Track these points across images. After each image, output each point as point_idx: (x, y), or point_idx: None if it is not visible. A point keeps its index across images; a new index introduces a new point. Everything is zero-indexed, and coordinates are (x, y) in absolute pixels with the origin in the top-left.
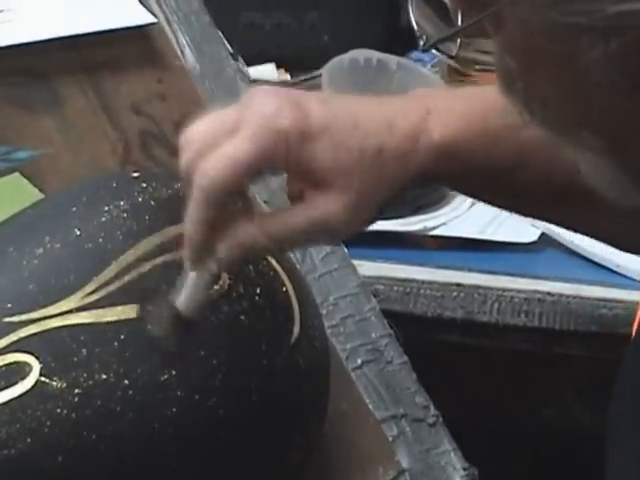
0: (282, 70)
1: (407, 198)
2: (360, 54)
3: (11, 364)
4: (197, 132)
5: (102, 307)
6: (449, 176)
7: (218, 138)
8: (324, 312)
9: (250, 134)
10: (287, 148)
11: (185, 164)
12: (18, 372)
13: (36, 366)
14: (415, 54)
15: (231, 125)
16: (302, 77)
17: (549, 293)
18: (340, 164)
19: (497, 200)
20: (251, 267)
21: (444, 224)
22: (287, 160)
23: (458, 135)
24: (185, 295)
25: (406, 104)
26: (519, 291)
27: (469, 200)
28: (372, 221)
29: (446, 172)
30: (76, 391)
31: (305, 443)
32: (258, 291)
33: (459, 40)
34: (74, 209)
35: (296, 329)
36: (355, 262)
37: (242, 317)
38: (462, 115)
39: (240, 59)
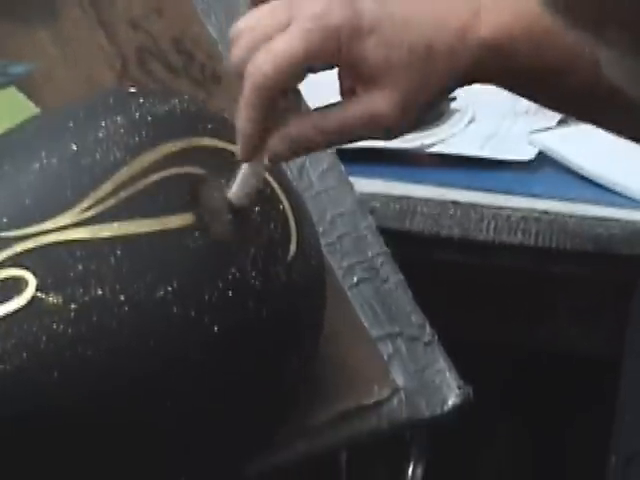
0: None
1: None
2: None
3: (7, 279)
4: (246, 27)
5: (99, 223)
6: (496, 75)
7: (268, 33)
8: (320, 230)
9: (301, 30)
10: (338, 45)
11: (236, 59)
12: (14, 287)
13: (32, 281)
14: None
15: (281, 20)
16: None
17: (546, 212)
18: (390, 62)
19: (546, 101)
20: None
21: (442, 141)
22: (338, 57)
23: (506, 33)
24: (237, 187)
25: (456, 1)
26: (516, 209)
27: (467, 118)
28: (419, 120)
29: (493, 71)
30: (72, 307)
31: (300, 361)
32: (255, 209)
33: None
34: (71, 124)
35: (292, 247)
36: (352, 179)
37: (238, 234)
38: (511, 14)
39: None
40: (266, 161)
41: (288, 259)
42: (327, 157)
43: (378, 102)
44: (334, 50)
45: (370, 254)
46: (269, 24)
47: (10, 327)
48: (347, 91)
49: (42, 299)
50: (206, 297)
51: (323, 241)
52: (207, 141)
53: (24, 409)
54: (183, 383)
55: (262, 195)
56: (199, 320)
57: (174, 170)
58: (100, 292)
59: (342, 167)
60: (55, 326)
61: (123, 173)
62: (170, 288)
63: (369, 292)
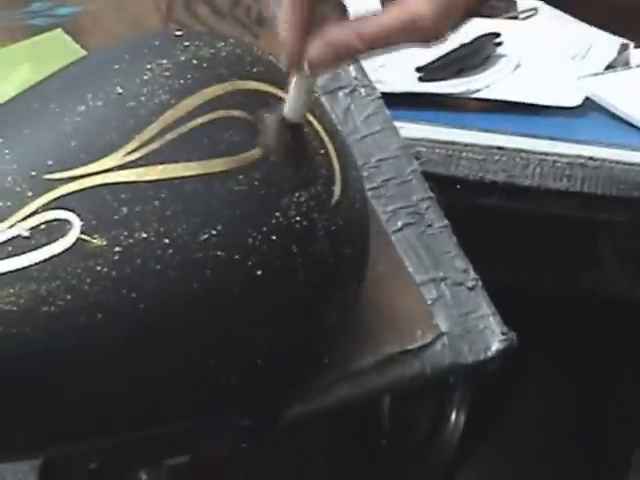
0: None
1: (451, 60)
2: None
3: (51, 221)
4: None
5: (143, 166)
6: None
7: None
8: (365, 174)
9: None
10: None
11: None
12: (59, 229)
13: (77, 224)
14: None
15: None
16: None
17: (592, 158)
18: None
19: (590, 18)
20: (292, 130)
21: (487, 87)
22: None
23: None
24: (289, 101)
25: None
26: (561, 155)
27: (513, 63)
28: (461, 23)
29: None
30: (116, 249)
31: (343, 305)
32: (299, 152)
33: None
34: (116, 67)
35: (337, 191)
36: (397, 124)
37: (283, 178)
38: None
39: None
40: (306, 67)
41: (332, 203)
42: (372, 101)
43: (418, 4)
44: None
45: (415, 199)
46: None
47: (54, 269)
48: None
49: (86, 241)
50: (250, 241)
51: (368, 185)
52: (252, 84)
53: (68, 350)
54: (225, 326)
55: (306, 138)
56: (243, 263)
57: (219, 113)
58: (144, 235)
59: (387, 111)
60: (99, 268)
61: (168, 116)
62: (214, 231)
63: (413, 237)
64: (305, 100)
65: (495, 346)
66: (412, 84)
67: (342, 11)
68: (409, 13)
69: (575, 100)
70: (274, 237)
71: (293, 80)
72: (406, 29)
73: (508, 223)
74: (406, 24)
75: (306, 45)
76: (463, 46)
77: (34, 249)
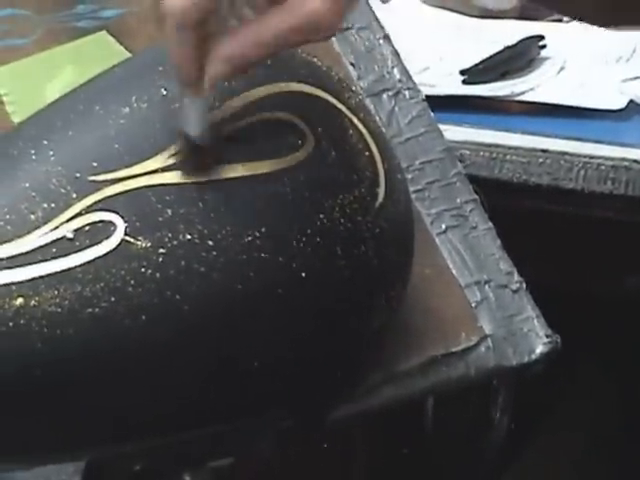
0: None
1: (495, 62)
2: None
3: (96, 223)
4: None
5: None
6: None
7: None
8: (409, 177)
9: None
10: None
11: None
12: (103, 231)
13: (121, 225)
14: None
15: None
16: None
17: (636, 161)
18: None
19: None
20: (337, 131)
21: (532, 89)
22: None
23: None
24: (191, 122)
25: None
26: (606, 158)
27: (557, 65)
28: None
29: None
30: (160, 251)
31: (387, 307)
32: (343, 155)
33: None
34: (160, 69)
35: (381, 193)
36: (441, 127)
37: (327, 180)
38: None
39: None
40: (207, 85)
41: (376, 205)
42: (417, 104)
43: (312, 3)
44: None
45: (459, 201)
46: None
47: (99, 271)
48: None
49: (130, 243)
50: (294, 243)
51: (412, 188)
52: (296, 86)
53: (111, 351)
54: (270, 327)
55: (350, 140)
56: (287, 266)
57: (263, 115)
58: (188, 237)
59: (431, 114)
60: (143, 270)
61: (212, 118)
62: (258, 233)
63: (457, 239)
64: (205, 117)
65: (539, 349)
66: (456, 87)
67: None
68: (304, 9)
69: (619, 103)
70: (318, 239)
71: (190, 100)
72: (304, 27)
73: (552, 226)
74: (303, 21)
75: (202, 63)
76: (507, 49)
77: (78, 251)
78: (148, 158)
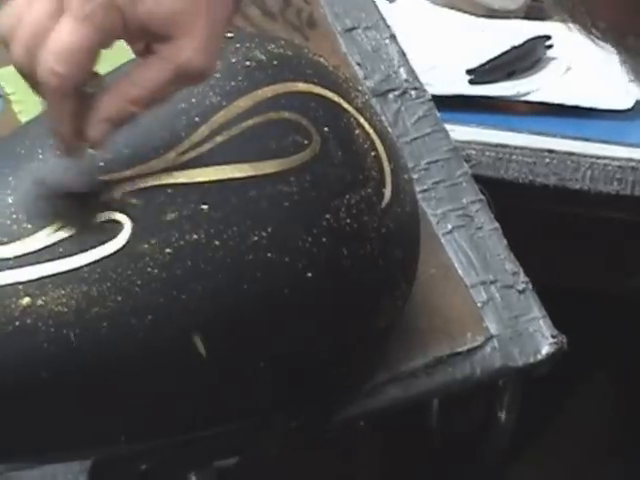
0: None
1: (501, 62)
2: None
3: (103, 222)
4: (10, 25)
5: (194, 167)
6: None
7: (44, 24)
8: (415, 176)
9: (81, 15)
10: (121, 14)
11: (21, 62)
12: (110, 231)
13: (128, 225)
14: None
15: (50, 8)
16: None
17: None
18: (178, 6)
19: None
20: (344, 131)
21: (538, 89)
22: (125, 27)
23: None
24: (75, 177)
25: None
26: (613, 159)
27: (564, 65)
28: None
29: None
30: (167, 251)
31: (393, 307)
32: (349, 154)
33: None
34: None
35: (387, 193)
36: (447, 126)
37: (333, 180)
38: None
39: None
40: (90, 148)
41: (383, 205)
42: (423, 104)
43: (182, 51)
44: (119, 21)
45: (465, 201)
46: (37, 16)
47: (105, 270)
48: (141, 52)
49: (137, 243)
50: (300, 243)
51: (418, 188)
52: (303, 86)
53: (118, 351)
54: (276, 328)
55: (357, 141)
56: (293, 266)
57: (270, 115)
58: (195, 237)
59: (438, 114)
60: (149, 270)
61: (219, 118)
62: (264, 233)
63: (463, 239)
64: (91, 169)
65: (545, 349)
66: (463, 87)
67: (103, 81)
68: (176, 60)
69: (626, 103)
70: (324, 239)
71: (74, 161)
72: (178, 77)
73: (558, 226)
74: (175, 72)
75: (81, 129)
76: (514, 49)
77: (85, 250)
78: (155, 158)
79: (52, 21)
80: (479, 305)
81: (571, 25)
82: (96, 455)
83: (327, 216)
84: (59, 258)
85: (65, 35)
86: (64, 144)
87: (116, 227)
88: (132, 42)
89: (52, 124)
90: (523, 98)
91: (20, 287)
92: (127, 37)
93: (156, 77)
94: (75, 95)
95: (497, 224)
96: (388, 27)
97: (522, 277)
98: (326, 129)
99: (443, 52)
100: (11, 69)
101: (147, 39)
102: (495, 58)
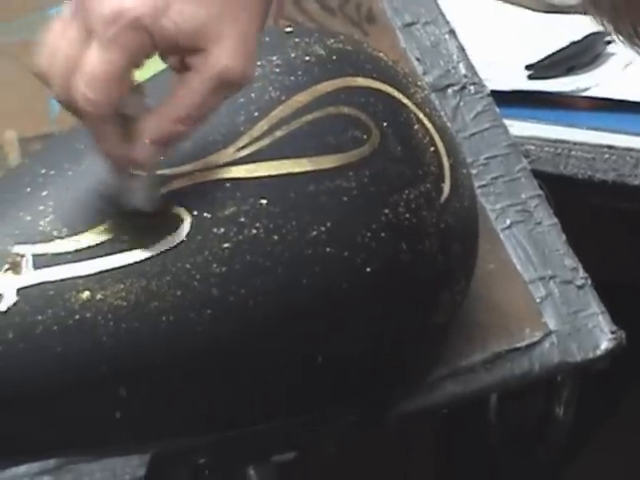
0: None
1: (560, 57)
2: None
3: (163, 217)
4: (47, 59)
5: (253, 162)
6: None
7: (75, 53)
8: (474, 172)
9: (106, 39)
10: (149, 33)
11: (59, 93)
12: (169, 225)
13: (187, 219)
14: None
15: (79, 36)
16: None
17: None
18: (203, 16)
19: None
20: (403, 126)
21: (597, 85)
22: (154, 44)
23: None
24: (138, 197)
25: None
26: None
27: (624, 61)
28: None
29: None
30: (226, 245)
31: (451, 303)
32: (408, 149)
33: None
34: None
35: (446, 188)
36: (506, 122)
37: (392, 175)
38: None
39: None
40: (141, 172)
41: (441, 201)
42: (482, 99)
43: (217, 61)
44: (147, 41)
45: (524, 197)
46: (68, 45)
47: (165, 264)
48: (179, 67)
49: (196, 237)
50: (359, 238)
51: (477, 183)
52: (362, 81)
53: (177, 345)
54: (334, 322)
55: (416, 136)
56: (351, 261)
57: (329, 110)
58: (254, 231)
59: (497, 109)
60: (209, 264)
61: (278, 112)
62: (323, 228)
63: (522, 235)
64: (153, 189)
65: (604, 345)
66: (522, 82)
67: (143, 98)
68: (213, 71)
69: None
70: (383, 234)
71: (132, 183)
72: (219, 87)
73: (617, 222)
74: (217, 82)
75: (129, 151)
76: (573, 44)
77: (145, 244)
78: (214, 152)
79: (83, 49)
80: (538, 300)
81: (615, 37)
82: (155, 449)
83: (386, 211)
84: (119, 252)
85: (93, 61)
86: (112, 165)
87: (176, 221)
88: (165, 57)
89: (98, 148)
90: (582, 94)
91: (80, 281)
92: (158, 53)
93: (197, 93)
94: (115, 119)
95: (556, 219)
96: (447, 22)
97: (581, 273)
98: (385, 124)
99: (502, 47)
100: None
101: (179, 53)
102: (554, 53)
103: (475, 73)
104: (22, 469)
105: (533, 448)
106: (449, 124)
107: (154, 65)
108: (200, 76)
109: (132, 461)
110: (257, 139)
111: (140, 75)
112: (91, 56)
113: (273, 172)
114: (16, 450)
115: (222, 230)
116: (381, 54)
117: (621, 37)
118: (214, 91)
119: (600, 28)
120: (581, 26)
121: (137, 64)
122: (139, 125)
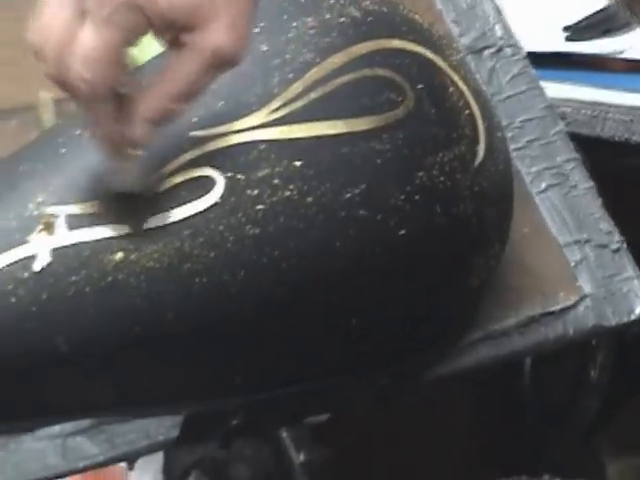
0: None
1: (598, 19)
2: None
3: (196, 178)
4: (40, 35)
5: (287, 124)
6: None
7: (69, 32)
8: (509, 135)
9: (101, 18)
10: (141, 11)
11: (52, 72)
12: (203, 186)
13: (220, 181)
14: None
15: (73, 15)
16: None
17: None
18: None
19: None
20: (438, 89)
21: (634, 47)
22: (149, 23)
23: None
24: (124, 178)
25: None
26: None
27: None
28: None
29: None
30: (259, 207)
31: (486, 266)
32: (443, 112)
33: None
34: (262, 24)
35: (481, 151)
36: (542, 84)
37: (427, 138)
38: None
39: None
40: (135, 151)
41: (476, 164)
42: (518, 61)
43: (210, 37)
44: (140, 19)
45: (559, 160)
46: (61, 24)
47: (198, 226)
48: (174, 45)
49: (230, 199)
50: (392, 200)
51: (512, 146)
52: (397, 43)
53: (210, 307)
54: (367, 285)
55: (450, 98)
56: (385, 223)
57: (364, 72)
58: (287, 193)
59: (533, 71)
60: (242, 226)
61: (313, 74)
62: (357, 191)
63: (557, 198)
64: (137, 171)
65: (639, 309)
66: (559, 44)
67: (139, 79)
68: (207, 48)
69: None
70: (417, 197)
71: (120, 163)
72: (212, 64)
73: None
74: (210, 59)
75: (124, 131)
76: (611, 5)
77: (179, 206)
78: (248, 114)
79: (77, 28)
80: (572, 264)
81: None
82: (188, 410)
83: (420, 174)
84: (152, 214)
85: (87, 40)
86: (107, 147)
87: (209, 183)
88: (159, 36)
89: (91, 129)
90: (620, 55)
91: (114, 242)
92: (152, 32)
93: (191, 70)
94: (110, 98)
95: (592, 183)
96: None
97: (616, 236)
98: (420, 86)
99: (539, 9)
100: None
101: (173, 31)
102: (592, 15)
103: (511, 35)
104: (56, 429)
105: (566, 413)
106: (484, 87)
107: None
108: (193, 54)
109: (165, 422)
110: (291, 101)
111: (139, 58)
112: (86, 35)
113: (307, 134)
114: (49, 410)
115: (256, 192)
116: (417, 16)
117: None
118: (207, 69)
119: None
120: None
121: (132, 43)
122: (133, 104)
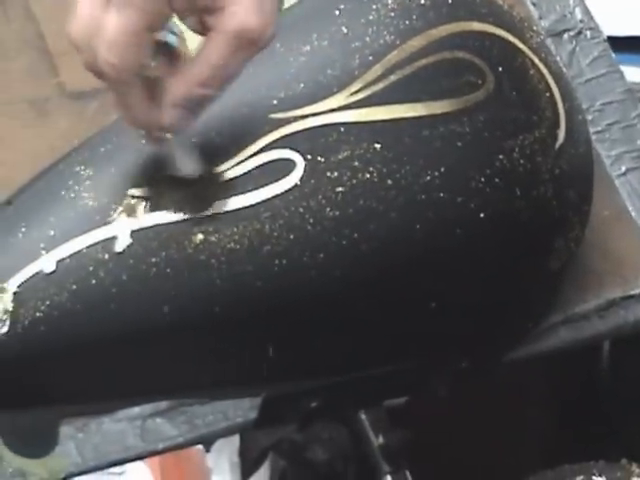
0: None
1: None
2: None
3: (276, 160)
4: (76, 24)
5: (367, 106)
6: None
7: (96, 18)
8: (589, 118)
9: (123, 2)
10: None
11: (86, 60)
12: (283, 168)
13: (300, 163)
14: None
15: (100, 0)
16: None
17: None
18: None
19: None
20: (518, 71)
21: None
22: (171, 6)
23: None
24: (174, 162)
25: None
26: None
27: None
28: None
29: None
30: (339, 189)
31: (566, 249)
32: (523, 95)
33: None
34: (342, 7)
35: (561, 134)
36: (623, 68)
37: (507, 121)
38: None
39: None
40: (168, 135)
41: (556, 147)
42: (598, 44)
43: (234, 18)
44: (164, 2)
45: (639, 143)
46: (90, 12)
47: (278, 208)
48: (199, 30)
49: (309, 181)
50: (473, 183)
51: (592, 129)
52: (477, 25)
53: (289, 289)
54: (447, 268)
55: (531, 81)
56: (465, 206)
57: (444, 54)
58: (367, 175)
59: (613, 55)
60: (322, 208)
61: (393, 57)
62: (437, 173)
63: (637, 181)
64: (186, 152)
65: None
66: (638, 28)
67: (173, 49)
68: (232, 30)
69: None
70: (497, 180)
71: (162, 146)
72: (239, 47)
73: None
74: (236, 42)
75: (156, 114)
76: None
77: (258, 188)
78: (328, 96)
79: (103, 13)
80: None
81: None
82: (267, 392)
83: (500, 157)
84: (232, 195)
85: (111, 25)
86: (144, 131)
87: (289, 165)
88: (183, 19)
89: (124, 114)
90: None
91: (193, 224)
92: (176, 15)
93: (216, 53)
94: (137, 83)
95: None
96: None
97: None
98: (500, 69)
99: None
100: None
101: (197, 13)
102: None
103: (591, 18)
104: (135, 411)
105: None
106: (564, 69)
107: None
108: (218, 37)
109: (244, 404)
110: (371, 83)
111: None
112: (110, 20)
113: (387, 117)
114: (129, 391)
115: (335, 174)
116: None
117: None
118: (233, 51)
119: None
120: None
121: (155, 26)
122: (164, 89)
